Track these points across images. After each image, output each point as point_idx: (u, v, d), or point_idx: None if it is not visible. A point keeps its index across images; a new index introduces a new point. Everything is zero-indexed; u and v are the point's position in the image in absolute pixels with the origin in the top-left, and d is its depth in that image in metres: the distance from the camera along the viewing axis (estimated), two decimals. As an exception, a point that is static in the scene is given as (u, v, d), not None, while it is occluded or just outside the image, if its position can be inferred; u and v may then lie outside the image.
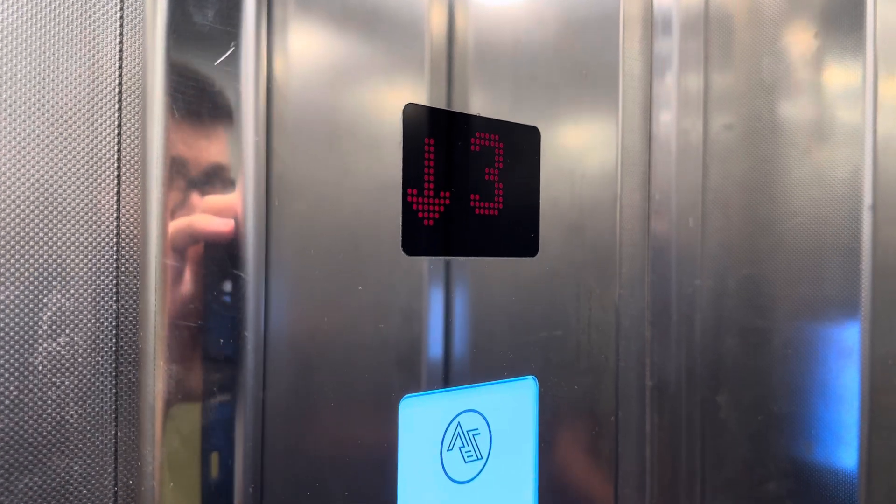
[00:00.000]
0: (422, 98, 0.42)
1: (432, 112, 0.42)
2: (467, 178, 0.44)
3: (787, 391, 0.63)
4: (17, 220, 0.32)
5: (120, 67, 0.35)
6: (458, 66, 0.44)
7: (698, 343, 0.66)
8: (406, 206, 0.41)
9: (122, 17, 0.35)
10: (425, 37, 0.42)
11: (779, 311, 0.63)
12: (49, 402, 0.33)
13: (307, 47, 0.38)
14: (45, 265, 0.33)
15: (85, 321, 0.34)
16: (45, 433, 0.33)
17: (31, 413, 0.33)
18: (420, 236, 0.42)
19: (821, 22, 0.62)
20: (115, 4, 0.35)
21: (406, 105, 0.41)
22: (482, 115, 0.45)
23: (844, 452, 0.60)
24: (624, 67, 0.57)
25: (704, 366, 0.66)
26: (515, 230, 0.47)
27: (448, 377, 0.44)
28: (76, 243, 0.34)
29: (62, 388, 0.33)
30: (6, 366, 0.32)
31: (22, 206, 0.32)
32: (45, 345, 0.33)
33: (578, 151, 0.52)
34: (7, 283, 0.32)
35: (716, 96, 0.66)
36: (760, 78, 0.64)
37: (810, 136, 0.61)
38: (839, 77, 0.61)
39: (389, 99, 0.41)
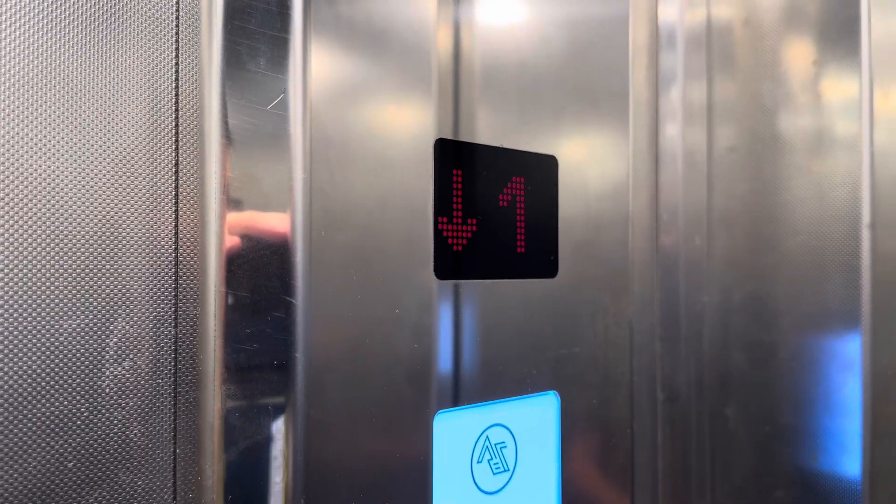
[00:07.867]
0: (448, 124, 0.45)
1: (460, 146, 0.45)
2: (492, 206, 0.47)
3: (793, 403, 0.65)
4: (86, 255, 0.35)
5: (176, 111, 0.38)
6: (466, 92, 0.47)
7: (706, 357, 0.68)
8: (437, 233, 0.44)
9: (177, 65, 0.38)
10: (433, 63, 0.45)
11: (783, 326, 0.65)
12: (115, 422, 0.36)
13: (341, 84, 0.41)
14: (111, 295, 0.36)
15: (146, 346, 0.37)
16: (111, 451, 0.36)
17: (99, 432, 0.35)
18: (450, 262, 0.45)
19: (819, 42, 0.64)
20: (171, 53, 0.38)
21: (437, 140, 0.44)
22: (504, 146, 0.48)
23: (848, 461, 0.62)
24: (633, 88, 0.60)
25: (713, 379, 0.68)
26: (536, 253, 0.50)
27: (476, 393, 0.46)
28: (138, 274, 0.37)
29: (126, 409, 0.36)
30: (78, 388, 0.34)
31: (91, 241, 0.35)
32: (111, 369, 0.36)
33: (593, 172, 0.55)
34: (78, 313, 0.35)
35: (720, 110, 0.69)
36: (761, 100, 0.67)
37: (811, 157, 0.64)
38: (837, 94, 0.63)
39: (421, 132, 0.44)
